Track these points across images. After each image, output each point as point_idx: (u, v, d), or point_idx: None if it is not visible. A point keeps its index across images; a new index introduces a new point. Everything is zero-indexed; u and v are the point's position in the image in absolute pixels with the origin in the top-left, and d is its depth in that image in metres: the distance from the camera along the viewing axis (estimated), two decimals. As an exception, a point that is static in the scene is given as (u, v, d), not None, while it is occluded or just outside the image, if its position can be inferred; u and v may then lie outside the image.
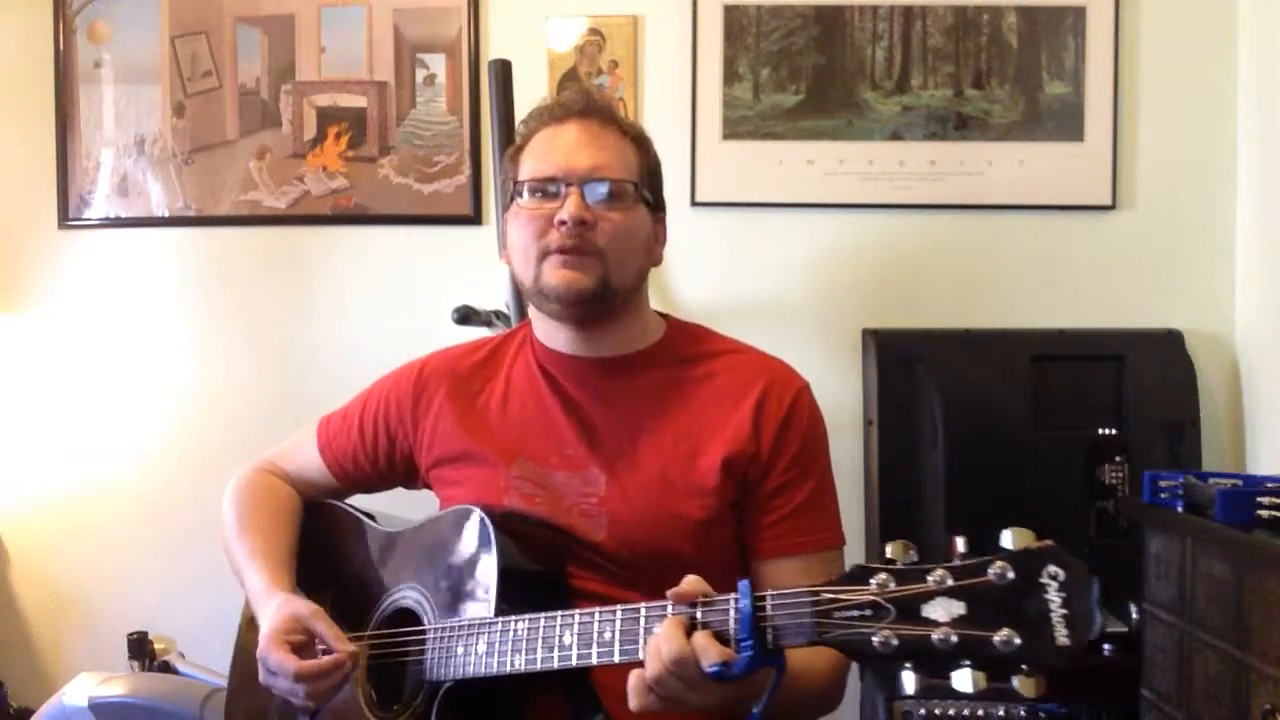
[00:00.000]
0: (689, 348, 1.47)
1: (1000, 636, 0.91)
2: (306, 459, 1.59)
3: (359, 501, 1.61)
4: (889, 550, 0.98)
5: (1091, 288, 2.35)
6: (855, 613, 0.97)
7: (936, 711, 1.87)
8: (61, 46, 2.48)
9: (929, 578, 0.95)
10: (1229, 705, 1.58)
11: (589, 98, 1.45)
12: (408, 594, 1.40)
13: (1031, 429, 2.17)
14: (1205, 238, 2.34)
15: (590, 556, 1.35)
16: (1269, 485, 1.64)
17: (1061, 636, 0.90)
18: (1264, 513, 1.59)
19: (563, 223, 1.34)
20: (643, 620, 1.12)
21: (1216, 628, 1.62)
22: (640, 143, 1.44)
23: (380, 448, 1.53)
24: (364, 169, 2.45)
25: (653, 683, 1.08)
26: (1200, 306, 2.33)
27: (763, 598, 1.04)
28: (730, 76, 2.37)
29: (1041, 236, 2.36)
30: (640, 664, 1.10)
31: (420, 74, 2.44)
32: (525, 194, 1.39)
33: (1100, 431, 2.18)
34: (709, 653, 1.05)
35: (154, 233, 2.50)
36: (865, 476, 2.29)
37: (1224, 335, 2.32)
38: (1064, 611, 0.90)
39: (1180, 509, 1.74)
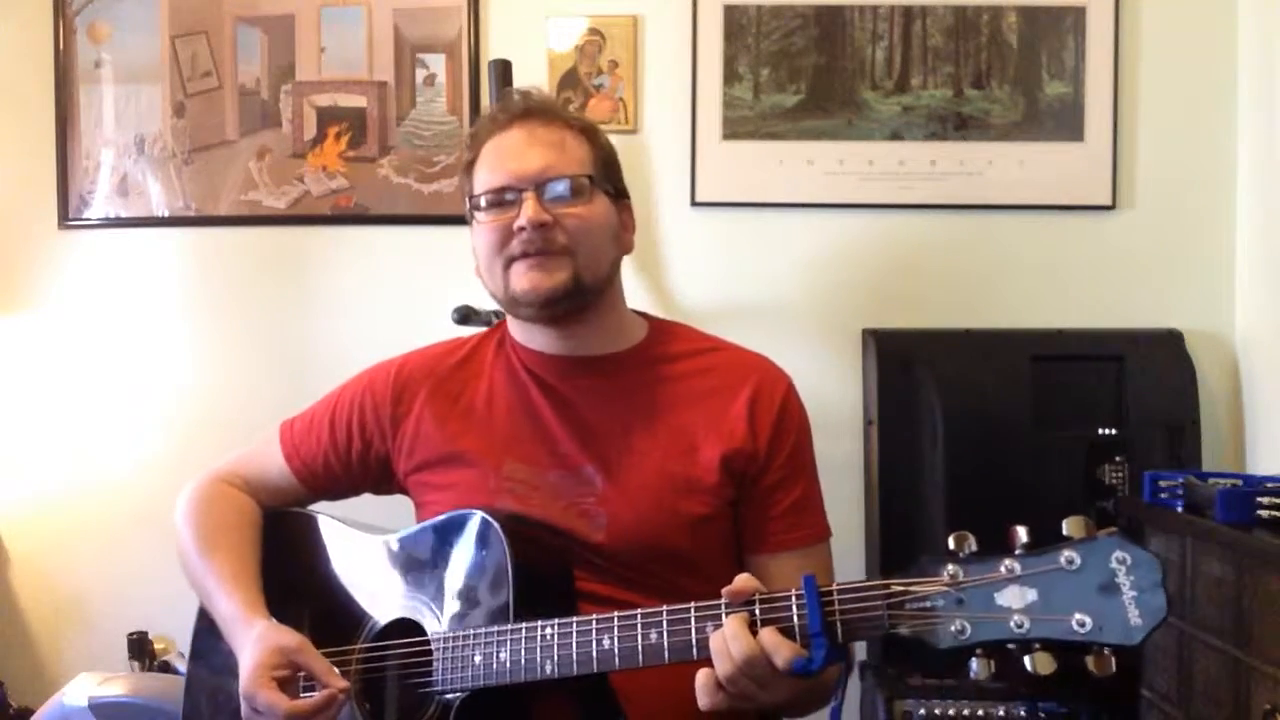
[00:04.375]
0: (672, 346, 1.47)
1: (1076, 620, 0.96)
2: (269, 465, 1.53)
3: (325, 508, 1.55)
4: (951, 542, 1.02)
5: (1091, 288, 2.35)
6: (928, 603, 1.01)
7: (937, 711, 1.87)
8: (61, 46, 2.48)
9: (1000, 567, 0.99)
10: (1229, 705, 1.58)
11: (528, 98, 1.44)
12: (404, 605, 1.35)
13: (1031, 429, 2.16)
14: (1205, 238, 2.34)
15: (589, 557, 1.34)
16: (1269, 485, 1.64)
17: (1134, 617, 0.95)
18: (1264, 513, 1.59)
19: (522, 228, 1.34)
20: (693, 621, 1.12)
21: (1216, 628, 1.62)
22: (589, 134, 1.43)
23: (354, 450, 1.49)
24: (364, 169, 2.45)
25: (725, 681, 1.08)
26: (1200, 306, 2.33)
27: (829, 592, 1.05)
28: (730, 76, 2.37)
29: (1041, 236, 2.36)
30: (668, 665, 1.11)
31: (420, 74, 2.44)
32: (483, 205, 1.39)
33: (1100, 431, 2.18)
34: (780, 650, 1.05)
35: (154, 233, 2.49)
36: (865, 476, 2.29)
37: (1224, 335, 2.32)
38: (1134, 593, 0.95)
39: (1180, 509, 1.74)
